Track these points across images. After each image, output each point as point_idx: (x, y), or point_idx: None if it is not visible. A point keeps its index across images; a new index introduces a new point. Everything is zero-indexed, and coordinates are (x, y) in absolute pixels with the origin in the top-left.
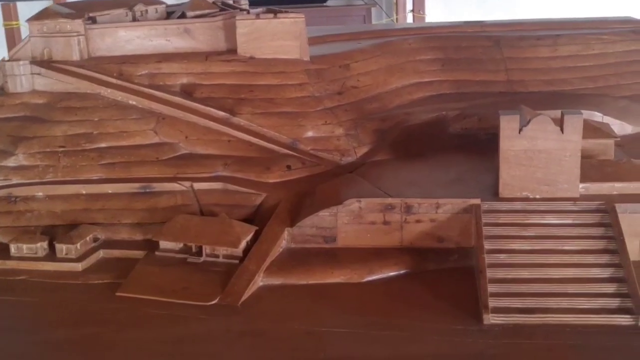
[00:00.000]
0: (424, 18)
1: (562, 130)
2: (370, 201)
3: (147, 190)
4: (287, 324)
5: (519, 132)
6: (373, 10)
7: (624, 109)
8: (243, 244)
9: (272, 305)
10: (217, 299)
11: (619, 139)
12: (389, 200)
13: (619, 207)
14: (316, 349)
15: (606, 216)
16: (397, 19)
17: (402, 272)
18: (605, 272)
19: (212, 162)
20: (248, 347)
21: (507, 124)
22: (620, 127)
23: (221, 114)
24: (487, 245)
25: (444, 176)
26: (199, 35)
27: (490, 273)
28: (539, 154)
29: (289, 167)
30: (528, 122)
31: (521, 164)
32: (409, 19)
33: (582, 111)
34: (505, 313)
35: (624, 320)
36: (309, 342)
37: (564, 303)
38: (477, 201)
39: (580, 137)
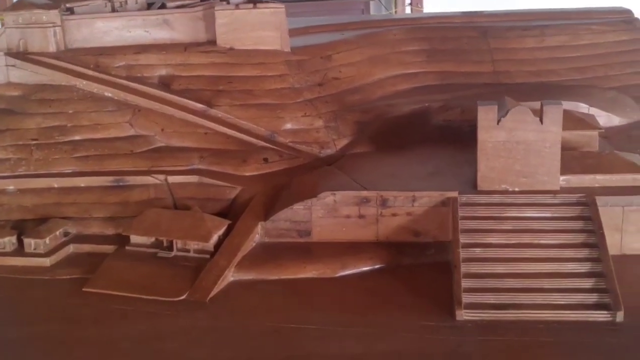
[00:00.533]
0: (422, 11)
1: (541, 120)
2: (345, 194)
3: (120, 183)
4: (254, 321)
5: (497, 123)
6: (372, 3)
7: (611, 100)
8: (214, 239)
9: (241, 301)
10: (185, 295)
11: (603, 130)
12: (364, 193)
13: (600, 200)
14: (282, 347)
15: (586, 209)
16: (395, 12)
17: (377, 267)
18: (584, 267)
19: (188, 155)
20: (212, 345)
21: (485, 115)
22: (608, 118)
23: (199, 106)
24: (463, 239)
25: (424, 169)
26: (178, 26)
27: (464, 267)
28: (518, 146)
29: (266, 159)
30: (506, 113)
31: (499, 155)
32: (408, 11)
33: (568, 102)
34: (478, 309)
35: (601, 316)
36: (275, 339)
37: (540, 299)
38: (454, 194)
39: (560, 128)
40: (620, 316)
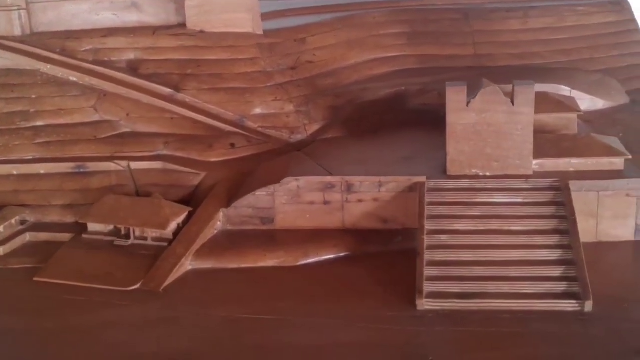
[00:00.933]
0: None
1: (512, 102)
2: (308, 180)
3: (82, 170)
4: (208, 311)
5: (467, 105)
6: None
7: (596, 83)
8: (172, 226)
9: (196, 291)
10: (139, 284)
11: (582, 113)
12: (329, 178)
13: (574, 185)
14: (233, 337)
15: (559, 194)
16: None
17: (341, 255)
18: (553, 255)
19: (153, 141)
20: (162, 335)
21: (454, 96)
22: (592, 102)
23: (166, 90)
24: (429, 225)
25: (397, 154)
26: (148, 8)
27: (429, 255)
28: (489, 128)
29: (233, 145)
30: (476, 94)
31: (469, 138)
32: None
33: (549, 85)
34: (441, 298)
35: (569, 305)
36: (227, 329)
37: (506, 287)
38: (422, 179)
39: (532, 109)
40: (589, 306)
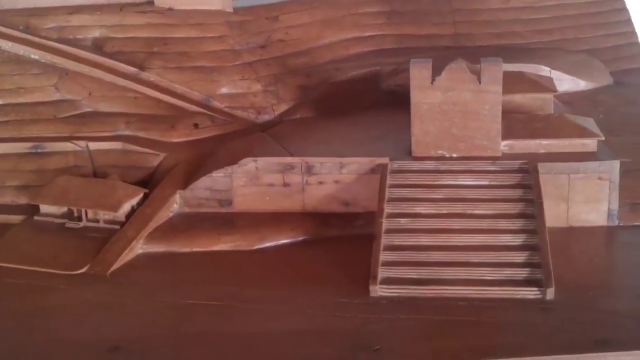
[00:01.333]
0: None
1: (479, 79)
2: (267, 160)
3: (38, 150)
4: (153, 296)
5: (432, 83)
6: None
7: (578, 63)
8: (125, 208)
9: (144, 275)
10: (86, 268)
11: (557, 92)
12: (288, 159)
13: (544, 167)
14: (175, 324)
15: (527, 177)
16: None
17: (299, 239)
18: (517, 239)
19: (114, 120)
20: (101, 322)
21: (418, 73)
22: (573, 82)
23: (130, 68)
24: (389, 208)
25: (364, 135)
26: None
27: (386, 239)
28: (454, 107)
29: (196, 125)
30: (441, 71)
31: (435, 118)
32: None
33: (528, 65)
34: (396, 284)
35: (530, 293)
36: (169, 316)
37: (465, 274)
38: (384, 160)
39: (500, 88)
40: (550, 293)
